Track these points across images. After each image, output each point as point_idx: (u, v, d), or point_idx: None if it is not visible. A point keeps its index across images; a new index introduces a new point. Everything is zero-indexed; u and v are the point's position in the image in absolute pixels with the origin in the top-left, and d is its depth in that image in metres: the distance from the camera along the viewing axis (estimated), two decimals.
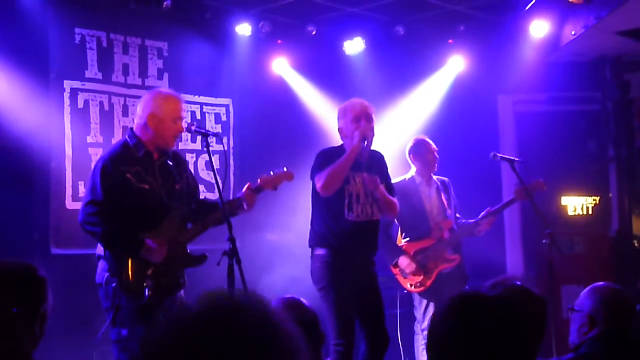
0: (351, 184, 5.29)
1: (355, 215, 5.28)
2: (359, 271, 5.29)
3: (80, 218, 4.67)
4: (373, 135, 5.32)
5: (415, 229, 6.42)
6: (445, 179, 6.65)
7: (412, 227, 6.41)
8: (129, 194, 4.66)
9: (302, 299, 3.19)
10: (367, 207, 5.31)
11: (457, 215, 6.61)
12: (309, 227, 5.45)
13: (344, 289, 5.20)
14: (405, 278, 6.39)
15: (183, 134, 5.23)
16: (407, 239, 6.43)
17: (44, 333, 2.53)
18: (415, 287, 6.38)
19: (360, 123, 5.25)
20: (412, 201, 6.38)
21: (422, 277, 6.34)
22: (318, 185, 5.20)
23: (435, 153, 6.49)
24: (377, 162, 5.48)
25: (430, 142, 6.52)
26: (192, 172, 6.95)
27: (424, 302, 6.43)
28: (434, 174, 6.57)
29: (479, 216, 6.43)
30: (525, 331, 1.97)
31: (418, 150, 6.50)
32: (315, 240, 5.36)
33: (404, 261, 6.32)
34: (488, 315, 1.93)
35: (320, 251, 5.30)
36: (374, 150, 5.47)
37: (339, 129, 5.40)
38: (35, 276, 2.54)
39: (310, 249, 5.42)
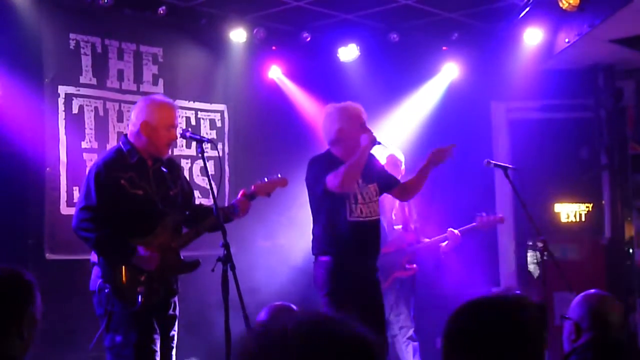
0: None
1: (356, 216, 5.31)
2: (362, 277, 5.32)
3: (74, 223, 4.68)
4: None
5: None
6: None
7: None
8: (122, 199, 4.67)
9: (293, 306, 3.21)
10: (365, 207, 5.36)
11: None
12: (311, 235, 5.46)
13: (347, 296, 5.23)
14: None
15: (178, 139, 5.24)
16: None
17: (33, 338, 2.52)
18: None
19: (367, 128, 5.34)
20: None
21: None
22: (335, 182, 5.16)
23: (401, 166, 6.79)
24: (370, 161, 5.52)
25: (397, 156, 6.75)
26: (187, 178, 6.98)
27: None
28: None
29: (442, 235, 6.74)
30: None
31: (387, 163, 6.64)
32: (319, 247, 5.37)
33: None
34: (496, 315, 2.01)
35: (324, 258, 5.32)
36: None
37: (338, 129, 5.38)
38: (21, 279, 2.53)
39: (313, 256, 5.42)
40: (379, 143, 5.33)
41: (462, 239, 6.78)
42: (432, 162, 5.52)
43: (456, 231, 6.74)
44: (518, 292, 2.84)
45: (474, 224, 6.75)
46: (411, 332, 6.81)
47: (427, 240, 6.90)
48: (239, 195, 5.02)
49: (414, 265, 6.79)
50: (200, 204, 5.42)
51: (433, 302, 7.38)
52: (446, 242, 6.78)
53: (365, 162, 5.27)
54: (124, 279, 4.58)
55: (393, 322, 6.65)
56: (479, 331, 1.97)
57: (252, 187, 5.06)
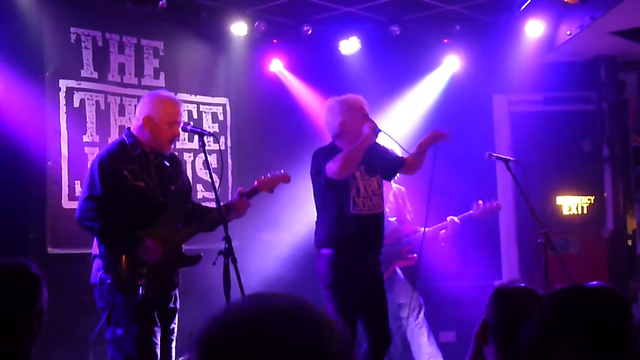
0: (350, 179, 5.33)
1: (359, 209, 5.32)
2: (365, 270, 5.33)
3: (77, 213, 4.67)
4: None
5: None
6: (402, 187, 7.02)
7: None
8: (125, 191, 4.67)
9: None
10: (368, 201, 5.37)
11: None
12: (314, 227, 5.46)
13: (349, 289, 5.25)
14: None
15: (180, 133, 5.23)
16: None
17: (41, 329, 2.54)
18: None
19: (369, 118, 5.35)
20: None
21: None
22: (334, 168, 5.18)
23: None
24: (374, 147, 5.53)
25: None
26: (190, 171, 6.97)
27: None
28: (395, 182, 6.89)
29: (441, 223, 6.72)
30: None
31: None
32: (321, 240, 5.37)
33: None
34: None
35: (326, 251, 5.32)
36: None
37: (341, 122, 5.39)
38: (29, 273, 2.55)
39: (315, 249, 5.42)
40: (380, 131, 5.33)
41: (462, 229, 6.77)
42: (430, 140, 5.54)
43: (456, 219, 6.72)
44: (522, 284, 2.81)
45: (471, 211, 6.74)
46: (422, 314, 6.81)
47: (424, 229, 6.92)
48: (236, 195, 5.00)
49: (414, 255, 6.80)
50: (196, 204, 5.37)
51: (435, 295, 7.38)
52: (444, 230, 6.77)
53: (365, 150, 5.26)
54: (125, 270, 4.58)
55: (404, 305, 6.68)
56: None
57: (255, 183, 5.06)
